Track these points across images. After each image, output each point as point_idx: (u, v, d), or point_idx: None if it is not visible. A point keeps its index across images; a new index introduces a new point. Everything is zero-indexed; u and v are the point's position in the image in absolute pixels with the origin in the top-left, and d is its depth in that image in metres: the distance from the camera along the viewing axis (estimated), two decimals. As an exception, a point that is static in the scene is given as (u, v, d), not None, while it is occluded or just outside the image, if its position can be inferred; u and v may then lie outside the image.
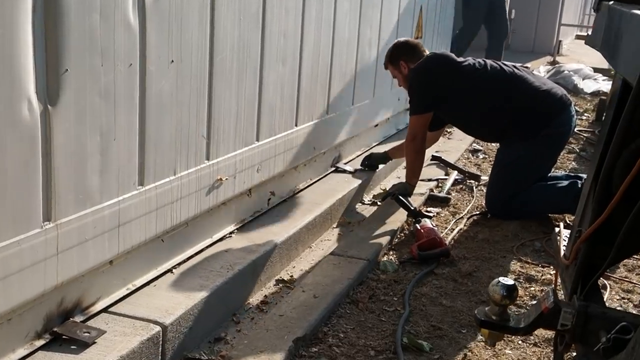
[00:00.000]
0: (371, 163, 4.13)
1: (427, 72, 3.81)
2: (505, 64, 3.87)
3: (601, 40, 2.24)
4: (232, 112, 2.79)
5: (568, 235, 2.00)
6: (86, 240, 2.03)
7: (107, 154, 2.07)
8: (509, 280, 1.59)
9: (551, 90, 3.76)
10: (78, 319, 2.10)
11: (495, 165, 3.93)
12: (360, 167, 4.12)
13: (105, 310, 2.20)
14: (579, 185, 3.66)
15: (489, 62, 3.84)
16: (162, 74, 2.28)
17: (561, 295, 1.96)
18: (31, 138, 1.78)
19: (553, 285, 2.42)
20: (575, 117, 3.82)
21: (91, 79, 1.95)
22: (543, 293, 1.95)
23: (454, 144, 5.34)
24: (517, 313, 2.20)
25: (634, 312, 2.77)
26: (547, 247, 3.38)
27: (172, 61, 2.32)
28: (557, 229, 2.17)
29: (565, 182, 3.73)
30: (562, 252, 1.90)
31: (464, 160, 5.09)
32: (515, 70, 3.81)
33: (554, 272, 2.50)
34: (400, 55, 3.95)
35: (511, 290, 1.60)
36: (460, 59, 3.84)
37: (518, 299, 2.82)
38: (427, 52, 4.01)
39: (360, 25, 4.12)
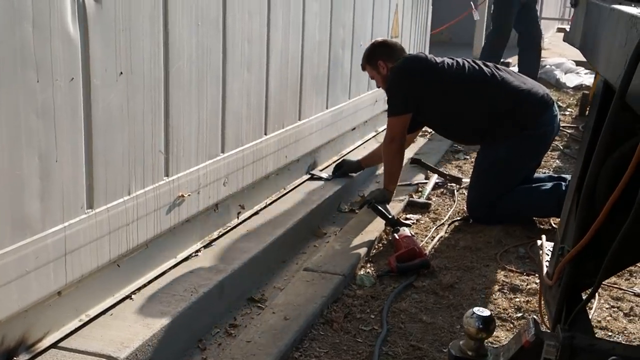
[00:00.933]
0: (343, 172, 3.97)
1: (405, 72, 3.67)
2: (485, 64, 3.73)
3: (580, 37, 2.09)
4: (193, 124, 2.62)
5: (551, 250, 1.85)
6: (27, 272, 1.86)
7: (48, 177, 1.89)
8: (484, 311, 1.44)
9: (532, 89, 3.62)
10: (23, 357, 1.93)
11: (475, 168, 3.79)
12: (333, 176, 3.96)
13: (54, 345, 2.03)
14: (563, 188, 3.52)
15: (467, 62, 3.70)
16: (110, 88, 2.10)
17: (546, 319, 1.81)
18: (-46, 165, 1.61)
19: (537, 308, 2.26)
20: (558, 116, 3.68)
21: (25, 96, 1.78)
22: (524, 322, 1.79)
23: (435, 145, 5.20)
24: (494, 346, 2.02)
25: (625, 322, 2.63)
26: (531, 253, 3.24)
27: (121, 73, 2.15)
28: (539, 242, 2.02)
29: (549, 185, 3.59)
30: (545, 270, 1.75)
31: (445, 162, 4.94)
32: (495, 70, 3.67)
33: (538, 293, 2.33)
34: (379, 55, 3.80)
35: (488, 323, 1.44)
36: (439, 59, 3.70)
37: (502, 311, 2.68)
38: (406, 53, 3.87)
39: (331, 26, 3.96)
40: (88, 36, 1.98)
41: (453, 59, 3.72)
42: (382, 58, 3.79)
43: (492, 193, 3.59)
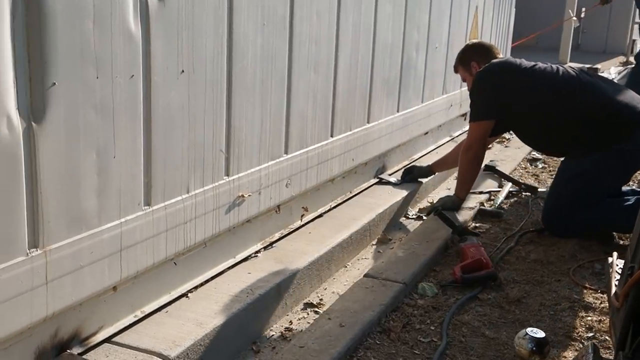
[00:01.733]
0: (412, 177, 3.87)
1: (490, 76, 3.52)
2: (581, 70, 3.53)
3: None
4: (256, 124, 2.60)
5: (622, 268, 1.71)
6: (81, 267, 1.88)
7: (105, 173, 1.91)
8: (539, 332, 1.34)
9: (629, 102, 3.39)
10: (76, 350, 1.95)
11: (556, 178, 3.58)
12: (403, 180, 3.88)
13: (108, 340, 2.05)
14: None
15: (561, 67, 3.51)
16: (171, 86, 2.11)
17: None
18: (12, 158, 1.64)
19: (609, 335, 2.11)
20: None
21: (84, 93, 1.80)
22: (582, 347, 1.67)
23: (511, 152, 5.02)
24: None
25: None
26: (605, 269, 3.05)
27: (183, 71, 2.15)
28: (609, 259, 1.88)
29: (632, 199, 3.37)
30: (613, 290, 1.62)
31: (521, 170, 4.76)
32: (591, 78, 3.46)
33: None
34: (472, 57, 3.70)
35: (542, 345, 1.34)
36: (530, 63, 3.53)
37: (571, 330, 2.52)
38: (501, 56, 3.73)
39: (405, 28, 3.88)
40: (150, 34, 1.99)
41: (546, 64, 3.54)
42: (475, 59, 3.68)
43: (571, 205, 3.39)
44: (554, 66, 3.53)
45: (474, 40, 3.85)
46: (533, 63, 3.54)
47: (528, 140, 3.82)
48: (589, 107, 3.38)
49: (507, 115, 3.49)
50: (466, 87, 3.93)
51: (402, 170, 3.99)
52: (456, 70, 3.87)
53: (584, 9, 10.60)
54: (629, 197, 3.43)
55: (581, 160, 3.42)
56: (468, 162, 3.54)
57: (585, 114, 3.38)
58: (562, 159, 3.67)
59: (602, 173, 3.37)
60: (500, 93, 3.47)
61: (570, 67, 3.58)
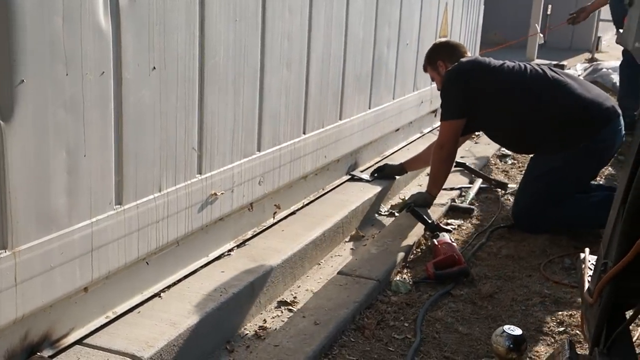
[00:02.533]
0: (383, 175, 3.87)
1: (460, 75, 3.52)
2: (550, 69, 3.56)
3: (634, 38, 1.96)
4: (229, 121, 2.57)
5: (594, 264, 1.73)
6: (52, 267, 1.84)
7: (75, 172, 1.87)
8: (516, 330, 1.34)
9: (595, 99, 3.44)
10: (46, 353, 1.91)
11: (526, 175, 3.62)
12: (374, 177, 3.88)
13: (79, 342, 2.01)
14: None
15: (529, 65, 3.54)
16: (142, 83, 2.07)
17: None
18: (-21, 158, 1.60)
19: (581, 330, 2.13)
20: (622, 131, 3.48)
21: (54, 90, 1.76)
22: (558, 344, 1.68)
23: (481, 148, 5.06)
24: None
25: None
26: (577, 265, 3.09)
27: (154, 68, 2.11)
28: (582, 255, 1.91)
29: (599, 196, 3.42)
30: (586, 286, 1.64)
31: (491, 167, 4.80)
32: (560, 76, 3.49)
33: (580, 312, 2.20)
34: (439, 56, 3.71)
35: (519, 343, 1.35)
36: (499, 62, 3.55)
37: (543, 325, 2.55)
38: (469, 55, 3.74)
39: (376, 24, 3.88)
40: (120, 29, 1.95)
41: (514, 62, 3.57)
42: (442, 58, 3.68)
43: (540, 202, 3.43)
44: (522, 64, 3.55)
45: (442, 39, 3.86)
46: (502, 62, 3.56)
47: (497, 139, 3.86)
48: (558, 105, 3.42)
49: (476, 114, 3.51)
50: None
51: (375, 165, 3.99)
52: (425, 70, 3.87)
53: (550, 6, 10.74)
54: (596, 194, 3.48)
55: (550, 157, 3.46)
56: (441, 161, 3.55)
57: (554, 112, 3.41)
58: (531, 155, 3.70)
59: (571, 170, 3.42)
60: (470, 92, 3.49)
61: (538, 65, 3.61)
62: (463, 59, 3.64)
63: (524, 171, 3.75)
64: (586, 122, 3.38)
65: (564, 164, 3.40)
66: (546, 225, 3.44)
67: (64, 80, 1.78)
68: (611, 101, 3.52)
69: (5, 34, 1.61)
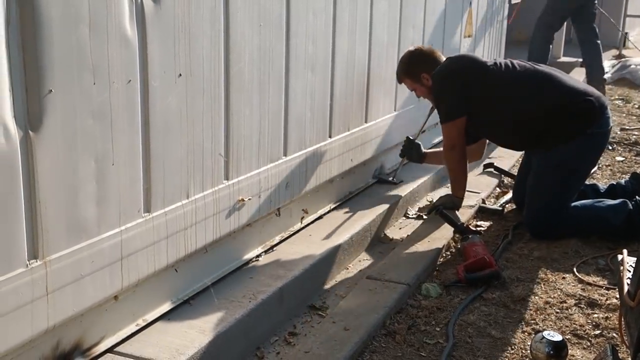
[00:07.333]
0: (411, 155, 3.78)
1: (451, 74, 3.45)
2: (536, 64, 3.52)
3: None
4: (254, 126, 2.56)
5: (633, 266, 1.69)
6: (82, 276, 1.84)
7: (104, 180, 1.87)
8: (556, 335, 1.31)
9: (587, 89, 3.45)
10: (78, 362, 1.91)
11: (534, 175, 3.48)
12: (402, 179, 3.83)
13: (110, 350, 2.02)
14: (630, 206, 3.32)
15: (520, 61, 3.50)
16: (169, 90, 2.07)
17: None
18: (9, 167, 1.60)
19: (618, 333, 2.08)
20: (611, 118, 3.46)
21: (81, 99, 1.76)
22: (600, 350, 1.64)
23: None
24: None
25: None
26: (612, 266, 3.03)
27: (180, 75, 2.11)
28: (619, 256, 1.86)
29: (616, 200, 3.41)
30: (626, 288, 1.59)
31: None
32: (548, 70, 3.47)
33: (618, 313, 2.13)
34: (419, 69, 3.52)
35: (559, 349, 1.31)
36: (486, 60, 3.53)
37: (579, 328, 2.49)
38: (441, 56, 3.63)
39: (400, 26, 3.84)
40: (146, 38, 1.95)
41: (504, 59, 3.54)
42: (425, 70, 3.50)
43: (556, 202, 3.36)
44: (509, 61, 3.49)
45: (413, 48, 3.67)
46: (492, 59, 3.54)
47: (498, 139, 3.79)
48: (553, 96, 3.38)
49: (475, 110, 3.43)
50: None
51: (402, 168, 3.91)
52: (400, 81, 3.68)
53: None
54: (609, 199, 3.46)
55: (556, 150, 3.37)
56: (455, 162, 3.50)
57: (551, 104, 3.35)
58: (535, 155, 3.59)
59: (583, 159, 3.41)
60: (465, 88, 3.41)
61: (522, 60, 3.55)
62: (452, 57, 3.60)
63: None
64: (585, 109, 3.34)
65: (577, 153, 3.35)
66: (560, 232, 3.35)
67: (92, 89, 1.79)
68: (597, 91, 3.50)
69: (32, 44, 1.61)
